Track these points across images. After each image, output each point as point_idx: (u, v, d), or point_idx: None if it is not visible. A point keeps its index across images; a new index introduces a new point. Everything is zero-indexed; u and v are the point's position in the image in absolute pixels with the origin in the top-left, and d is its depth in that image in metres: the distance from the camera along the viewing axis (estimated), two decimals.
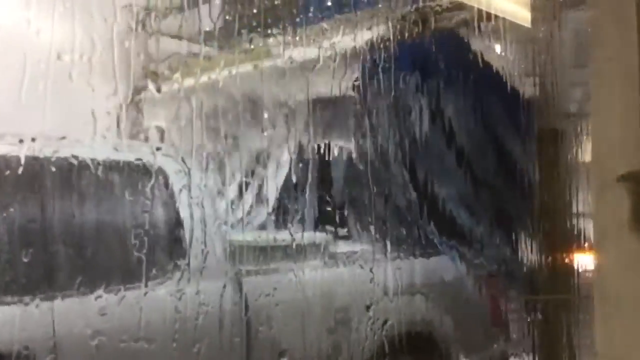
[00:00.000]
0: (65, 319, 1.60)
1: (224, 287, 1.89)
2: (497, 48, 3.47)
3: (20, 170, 1.55)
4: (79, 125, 1.68)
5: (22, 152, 1.56)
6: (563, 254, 3.06)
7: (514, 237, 3.35)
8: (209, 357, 1.80)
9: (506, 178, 3.42)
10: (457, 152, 3.26)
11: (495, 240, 3.29)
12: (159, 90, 2.07)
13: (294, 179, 2.35)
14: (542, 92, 3.25)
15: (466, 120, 3.37)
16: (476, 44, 3.34)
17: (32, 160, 1.57)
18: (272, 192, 2.65)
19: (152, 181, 1.83)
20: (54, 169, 1.60)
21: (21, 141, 1.56)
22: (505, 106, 3.47)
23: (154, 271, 1.76)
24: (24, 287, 1.54)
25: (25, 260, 1.54)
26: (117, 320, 1.64)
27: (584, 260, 3.04)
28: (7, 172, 1.55)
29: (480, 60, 3.35)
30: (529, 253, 3.20)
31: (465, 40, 3.29)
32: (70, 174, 1.67)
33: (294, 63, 2.57)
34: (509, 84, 3.39)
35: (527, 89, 3.28)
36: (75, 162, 1.65)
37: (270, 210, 2.44)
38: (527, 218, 3.24)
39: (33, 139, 1.57)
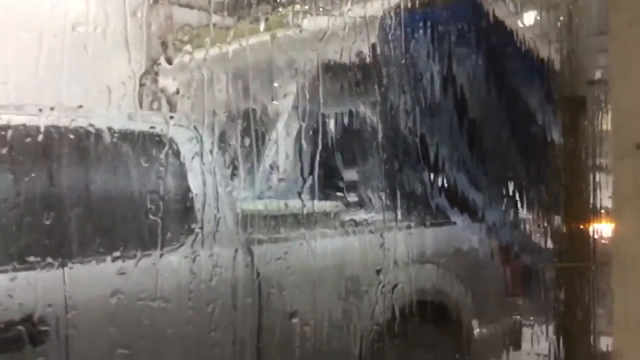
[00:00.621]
0: (85, 279, 1.75)
1: (236, 251, 2.02)
2: (519, 14, 3.51)
3: (40, 138, 1.69)
4: (95, 95, 1.81)
5: (42, 122, 1.69)
6: (583, 221, 3.13)
7: (533, 206, 3.41)
8: (222, 316, 1.94)
9: (526, 146, 3.46)
10: (474, 120, 3.31)
11: (513, 208, 3.35)
12: (170, 61, 2.18)
13: (305, 147, 2.45)
14: (565, 59, 3.28)
15: (484, 87, 3.41)
16: (498, 11, 3.36)
17: (51, 129, 1.70)
18: (283, 160, 2.77)
19: (165, 149, 1.96)
20: (72, 137, 1.73)
21: (40, 110, 1.70)
22: (527, 73, 3.49)
23: (168, 235, 1.90)
24: (46, 250, 1.69)
25: (47, 223, 1.69)
26: (134, 280, 1.79)
27: (603, 228, 3.10)
28: (28, 140, 1.69)
29: (501, 26, 3.37)
30: (548, 221, 3.27)
31: (484, 6, 3.32)
32: (88, 142, 1.80)
33: (305, 32, 2.66)
34: (531, 50, 3.41)
35: (550, 55, 3.31)
36: (92, 130, 1.79)
37: (281, 177, 2.56)
38: (547, 186, 3.30)
39: (52, 109, 1.71)
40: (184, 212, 2.05)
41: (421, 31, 3.01)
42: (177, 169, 2.06)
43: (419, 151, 2.80)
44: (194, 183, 2.09)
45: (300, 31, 2.67)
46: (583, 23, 3.24)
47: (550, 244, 3.24)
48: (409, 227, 2.64)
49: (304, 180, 2.30)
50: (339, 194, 2.76)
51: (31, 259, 1.65)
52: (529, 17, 3.66)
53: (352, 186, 2.78)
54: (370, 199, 2.80)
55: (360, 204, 2.78)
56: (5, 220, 1.68)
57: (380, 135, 2.64)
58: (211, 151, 2.13)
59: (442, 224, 2.98)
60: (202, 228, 1.98)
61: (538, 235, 3.30)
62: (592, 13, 3.18)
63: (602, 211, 3.09)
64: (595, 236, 3.13)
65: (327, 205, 2.56)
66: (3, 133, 1.65)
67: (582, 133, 3.22)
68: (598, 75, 3.40)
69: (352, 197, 2.78)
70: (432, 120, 2.94)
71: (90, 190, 1.84)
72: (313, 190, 2.27)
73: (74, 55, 1.77)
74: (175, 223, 1.97)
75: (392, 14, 2.78)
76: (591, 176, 3.15)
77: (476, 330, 3.11)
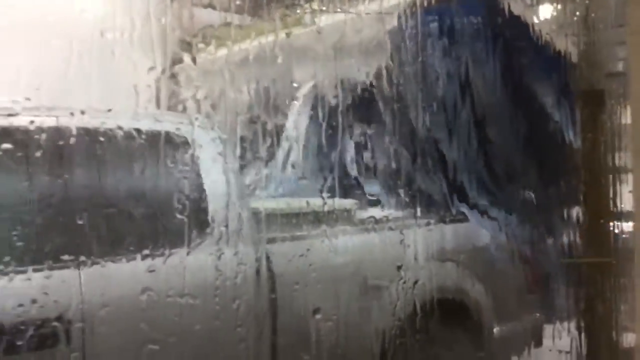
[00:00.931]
0: (117, 277, 1.85)
1: (258, 250, 2.11)
2: (536, 7, 3.55)
3: (72, 141, 1.79)
4: (122, 98, 1.91)
5: (73, 124, 1.79)
6: (604, 216, 3.17)
7: (553, 201, 3.45)
8: (247, 313, 2.03)
9: (545, 140, 3.50)
10: (491, 117, 3.35)
11: (533, 204, 3.40)
12: (194, 61, 2.27)
13: (324, 146, 2.53)
14: (584, 51, 3.32)
15: (501, 82, 3.45)
16: (513, 4, 3.40)
17: (82, 131, 1.80)
18: (301, 158, 2.84)
19: (190, 149, 2.05)
20: (102, 139, 1.83)
21: (72, 114, 1.79)
22: (544, 66, 3.52)
23: (194, 233, 1.99)
24: (79, 249, 1.79)
25: (80, 223, 1.78)
26: (163, 277, 1.89)
27: (625, 223, 3.14)
28: (61, 142, 1.78)
29: (518, 20, 3.40)
30: (568, 216, 3.31)
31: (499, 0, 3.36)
32: (117, 144, 1.90)
33: (324, 30, 2.73)
34: (548, 43, 3.44)
35: (568, 48, 3.35)
36: (120, 132, 1.88)
37: (300, 176, 2.63)
38: (567, 181, 3.34)
39: (82, 112, 1.80)
40: (203, 211, 2.13)
41: (436, 27, 3.06)
42: (202, 168, 2.14)
43: (438, 148, 2.86)
44: (216, 182, 2.17)
45: (319, 31, 2.74)
46: (601, 15, 3.28)
47: (570, 240, 3.29)
48: (428, 224, 2.71)
49: (325, 179, 2.38)
50: (358, 191, 2.83)
51: (65, 257, 1.75)
52: (546, 10, 3.70)
53: (371, 184, 2.85)
54: (387, 196, 2.87)
55: (379, 201, 2.84)
56: (40, 220, 1.78)
57: (398, 132, 2.70)
58: (236, 152, 2.22)
59: (461, 221, 3.03)
60: (227, 226, 2.07)
61: (558, 231, 3.35)
62: (610, 5, 3.22)
63: (623, 206, 3.13)
64: (616, 231, 3.17)
65: (346, 202, 2.63)
66: (37, 136, 1.75)
67: (601, 127, 3.27)
68: (617, 68, 3.43)
69: (371, 195, 2.84)
70: (448, 118, 3.00)
71: (119, 191, 1.94)
72: (333, 188, 2.35)
73: (102, 59, 1.87)
74: (199, 222, 2.06)
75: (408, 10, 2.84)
76: (611, 170, 3.18)
77: (497, 328, 3.16)
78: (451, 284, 2.85)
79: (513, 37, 3.31)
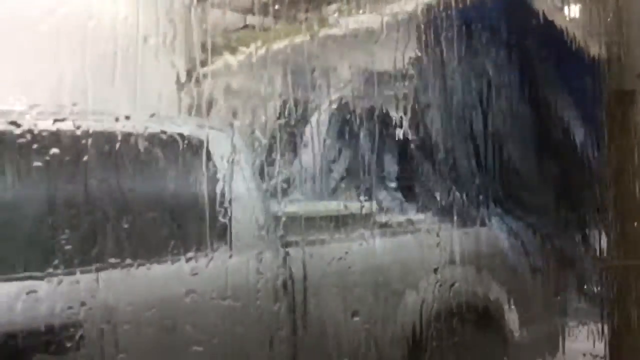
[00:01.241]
0: (162, 279, 1.91)
1: (301, 251, 2.16)
2: (562, 6, 3.57)
3: (117, 146, 1.85)
4: (164, 103, 1.97)
5: (118, 129, 1.85)
6: (635, 218, 3.18)
7: (583, 204, 3.47)
8: (289, 316, 2.08)
9: (574, 143, 3.53)
10: (518, 117, 3.38)
11: (564, 207, 3.42)
12: (227, 64, 2.32)
13: (347, 150, 2.57)
14: (613, 51, 3.34)
15: (528, 83, 3.47)
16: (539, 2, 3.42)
17: (127, 136, 1.86)
18: (329, 162, 2.89)
19: (229, 153, 2.11)
20: (147, 144, 1.89)
21: (117, 120, 1.86)
22: (570, 67, 3.54)
23: (237, 235, 2.05)
24: (125, 252, 1.85)
25: (125, 226, 1.84)
26: (206, 280, 1.94)
27: None
28: (107, 147, 1.85)
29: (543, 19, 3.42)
30: (600, 219, 3.33)
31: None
32: (160, 148, 1.96)
33: (350, 32, 2.77)
34: (574, 43, 3.46)
35: (595, 48, 3.37)
36: (164, 137, 1.94)
37: (329, 179, 2.68)
38: (597, 183, 3.36)
39: (127, 117, 1.87)
40: (245, 215, 2.19)
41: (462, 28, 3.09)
42: (237, 172, 2.20)
43: (471, 150, 2.90)
44: (245, 186, 2.23)
45: (345, 33, 2.78)
46: (631, 14, 3.29)
47: (601, 242, 3.30)
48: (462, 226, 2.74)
49: (361, 181, 2.43)
50: (388, 195, 2.87)
51: (112, 260, 1.81)
52: (575, 10, 3.72)
53: (404, 187, 2.89)
54: (418, 199, 2.91)
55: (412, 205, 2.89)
56: (88, 223, 1.84)
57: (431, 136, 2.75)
58: (268, 157, 2.27)
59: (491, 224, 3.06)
60: (267, 231, 2.12)
61: (591, 234, 3.37)
62: None
63: None
64: None
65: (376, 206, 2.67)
66: (84, 141, 1.81)
67: (632, 127, 3.28)
68: None
69: (403, 198, 2.89)
70: (482, 119, 3.03)
71: (164, 194, 2.00)
72: (369, 191, 2.40)
73: (144, 65, 1.93)
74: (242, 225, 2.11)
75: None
76: None
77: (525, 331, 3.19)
78: (483, 288, 2.88)
79: (545, 39, 3.33)
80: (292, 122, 2.33)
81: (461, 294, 2.62)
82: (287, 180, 2.44)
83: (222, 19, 2.65)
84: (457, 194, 2.76)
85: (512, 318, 3.11)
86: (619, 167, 3.28)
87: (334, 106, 2.92)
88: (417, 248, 2.63)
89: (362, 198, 2.32)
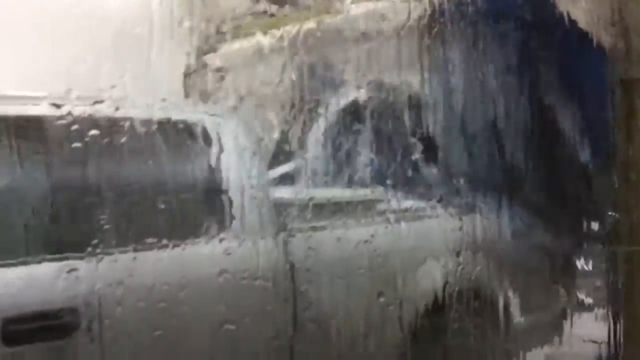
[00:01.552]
0: (196, 259, 1.98)
1: (326, 234, 2.23)
2: None
3: (153, 128, 1.92)
4: (175, 89, 2.03)
5: (153, 114, 1.92)
6: None
7: (591, 190, 3.54)
8: (316, 298, 2.16)
9: (584, 131, 3.58)
10: (530, 107, 3.43)
11: (573, 194, 3.49)
12: (227, 52, 2.37)
13: (352, 136, 2.63)
14: (623, 40, 3.39)
15: (539, 72, 3.52)
16: None
17: (146, 122, 1.93)
18: (332, 149, 2.93)
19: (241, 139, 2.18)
20: (165, 129, 1.96)
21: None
22: (583, 56, 3.58)
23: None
24: (160, 233, 1.92)
25: (161, 207, 1.91)
26: (239, 260, 2.02)
27: None
28: (143, 130, 1.91)
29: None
30: (609, 207, 3.40)
31: None
32: (179, 134, 2.03)
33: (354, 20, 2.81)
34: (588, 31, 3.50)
35: (607, 37, 3.42)
36: (182, 125, 2.02)
37: (334, 166, 2.73)
38: (607, 171, 3.42)
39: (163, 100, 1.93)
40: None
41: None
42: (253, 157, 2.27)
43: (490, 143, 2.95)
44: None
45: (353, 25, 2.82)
46: None
47: (612, 229, 3.37)
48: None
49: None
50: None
51: (149, 240, 1.88)
52: None
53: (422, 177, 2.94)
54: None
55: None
56: (125, 204, 1.91)
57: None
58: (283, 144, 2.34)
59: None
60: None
61: (603, 219, 3.44)
62: None
63: None
64: None
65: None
66: (122, 124, 1.87)
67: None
68: None
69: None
70: (496, 111, 3.08)
71: (193, 177, 2.07)
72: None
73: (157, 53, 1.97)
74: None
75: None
76: None
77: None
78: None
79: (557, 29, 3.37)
80: (316, 108, 2.39)
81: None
82: (315, 167, 2.50)
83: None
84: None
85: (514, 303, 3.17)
86: (627, 155, 3.35)
87: (370, 86, 2.93)
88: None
89: (388, 182, 2.40)
